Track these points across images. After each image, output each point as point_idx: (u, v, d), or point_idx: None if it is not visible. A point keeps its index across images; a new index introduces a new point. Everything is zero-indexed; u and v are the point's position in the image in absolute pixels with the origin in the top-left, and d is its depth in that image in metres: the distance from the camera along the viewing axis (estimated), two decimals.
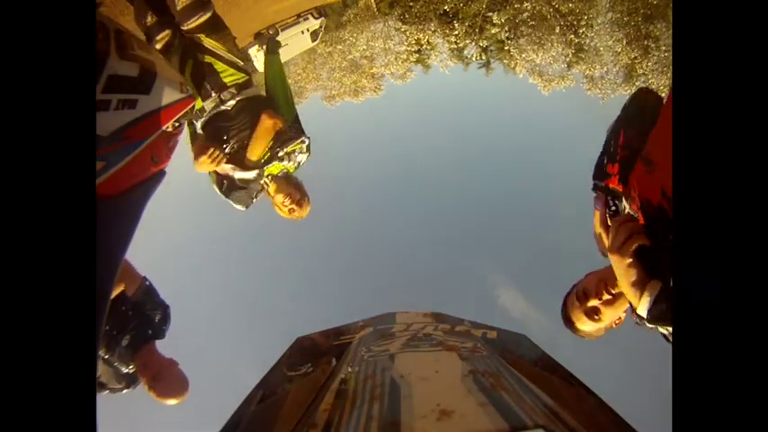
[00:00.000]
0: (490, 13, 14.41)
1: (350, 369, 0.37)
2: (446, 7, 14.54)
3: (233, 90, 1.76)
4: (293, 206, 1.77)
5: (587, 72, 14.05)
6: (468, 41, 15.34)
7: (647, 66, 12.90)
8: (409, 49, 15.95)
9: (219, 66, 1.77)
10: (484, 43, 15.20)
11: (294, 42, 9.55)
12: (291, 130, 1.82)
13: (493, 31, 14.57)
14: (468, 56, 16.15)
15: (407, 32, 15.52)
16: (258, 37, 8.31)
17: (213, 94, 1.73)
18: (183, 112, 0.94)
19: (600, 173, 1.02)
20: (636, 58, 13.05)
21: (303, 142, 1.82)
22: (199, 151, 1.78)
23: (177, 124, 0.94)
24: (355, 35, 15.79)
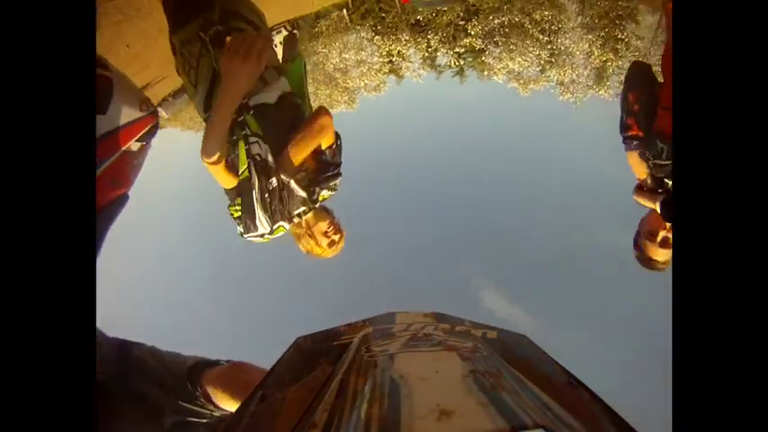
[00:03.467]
0: (462, 22, 14.46)
1: (350, 369, 0.37)
2: (419, 17, 14.57)
3: (274, 72, 1.32)
4: (336, 237, 1.41)
5: (559, 78, 14.21)
6: (442, 50, 15.39)
7: (617, 66, 13.10)
8: (382, 60, 15.96)
9: None
10: (459, 50, 15.25)
11: None
12: (336, 153, 1.40)
13: (466, 41, 14.63)
14: (441, 64, 16.20)
15: (379, 43, 15.55)
16: None
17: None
18: (145, 131, 0.88)
19: (623, 126, 1.42)
20: (607, 60, 13.21)
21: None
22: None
23: (142, 144, 0.88)
24: (328, 47, 15.80)
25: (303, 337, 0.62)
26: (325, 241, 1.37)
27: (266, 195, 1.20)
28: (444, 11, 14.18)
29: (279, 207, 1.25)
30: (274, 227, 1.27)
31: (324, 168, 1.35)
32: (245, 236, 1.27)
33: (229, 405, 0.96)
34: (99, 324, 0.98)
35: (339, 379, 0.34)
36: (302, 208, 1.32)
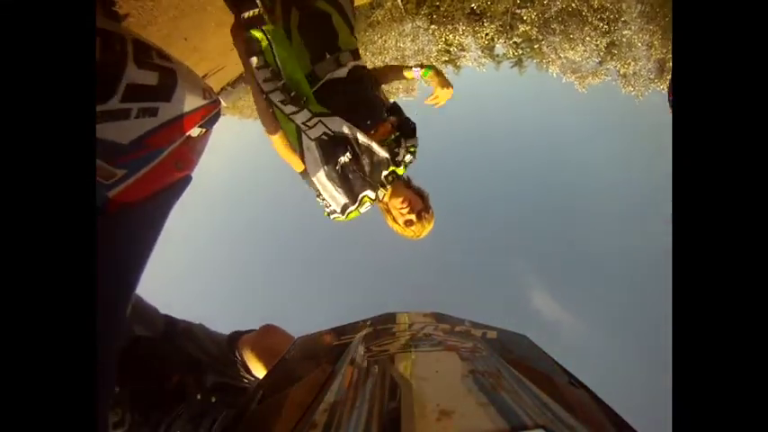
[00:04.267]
0: (519, 11, 14.07)
1: (350, 370, 0.37)
2: (473, 5, 14.19)
3: (349, 54, 1.30)
4: (412, 217, 1.33)
5: (621, 70, 13.76)
6: (500, 40, 14.98)
7: None
8: (440, 48, 15.62)
9: (337, 19, 1.30)
10: (517, 40, 14.84)
11: None
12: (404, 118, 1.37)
13: (523, 29, 14.22)
14: (500, 54, 15.79)
15: (436, 33, 15.24)
16: None
17: (328, 56, 1.26)
18: (208, 117, 0.93)
19: None
20: (668, 52, 12.60)
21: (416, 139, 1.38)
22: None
23: (204, 130, 0.93)
24: (384, 36, 15.55)
25: (303, 338, 0.62)
26: (401, 219, 1.32)
27: (338, 169, 1.20)
28: None
29: (359, 176, 1.23)
30: (360, 197, 1.26)
31: (402, 124, 1.35)
32: (329, 213, 1.31)
33: (257, 369, 1.00)
34: (151, 301, 1.06)
35: (339, 379, 0.34)
36: (387, 170, 1.28)
